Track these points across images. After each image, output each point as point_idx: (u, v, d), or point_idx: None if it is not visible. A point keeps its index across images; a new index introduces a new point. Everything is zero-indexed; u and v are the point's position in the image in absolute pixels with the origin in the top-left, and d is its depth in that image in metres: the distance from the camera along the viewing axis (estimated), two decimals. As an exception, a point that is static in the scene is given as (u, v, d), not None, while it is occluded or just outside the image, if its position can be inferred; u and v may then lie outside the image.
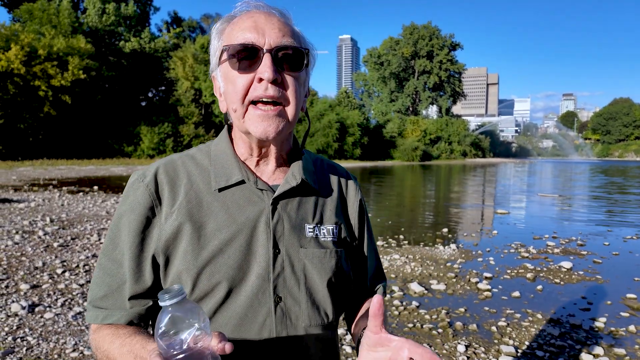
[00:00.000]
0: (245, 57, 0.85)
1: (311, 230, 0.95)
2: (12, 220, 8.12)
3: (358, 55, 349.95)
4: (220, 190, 0.92)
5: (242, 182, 0.93)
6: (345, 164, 48.48)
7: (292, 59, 0.87)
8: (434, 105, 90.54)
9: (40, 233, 6.94)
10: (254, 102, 0.86)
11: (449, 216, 10.91)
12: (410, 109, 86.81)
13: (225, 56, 0.88)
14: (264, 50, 0.85)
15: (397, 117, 76.04)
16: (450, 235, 8.13)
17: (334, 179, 1.07)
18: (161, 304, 0.63)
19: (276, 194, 0.93)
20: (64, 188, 14.98)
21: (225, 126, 1.01)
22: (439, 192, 18.67)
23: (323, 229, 0.97)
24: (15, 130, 32.94)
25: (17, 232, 7.00)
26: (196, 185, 0.93)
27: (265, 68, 0.84)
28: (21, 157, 32.11)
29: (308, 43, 0.94)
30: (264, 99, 0.85)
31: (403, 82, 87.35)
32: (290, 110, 0.88)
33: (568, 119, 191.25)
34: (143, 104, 46.59)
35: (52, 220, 8.21)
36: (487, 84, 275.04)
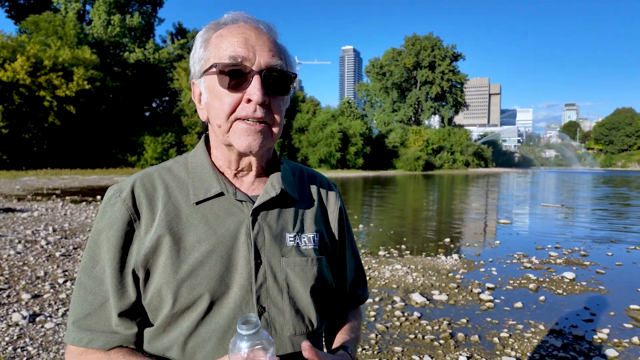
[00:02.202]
0: (235, 75, 0.85)
1: (292, 239, 0.95)
2: (15, 230, 8.14)
3: (360, 65, 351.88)
4: (198, 202, 0.91)
5: (221, 194, 0.92)
6: (347, 173, 48.50)
7: (279, 83, 0.88)
8: (436, 115, 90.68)
9: (43, 242, 6.96)
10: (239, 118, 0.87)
11: (451, 226, 10.88)
12: (413, 119, 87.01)
13: (213, 70, 0.87)
14: (254, 70, 0.85)
15: (400, 127, 76.19)
16: (452, 246, 8.10)
17: (313, 188, 1.07)
18: (239, 331, 0.70)
19: (256, 204, 0.92)
20: (67, 197, 15.04)
21: (202, 137, 1.01)
22: (442, 201, 18.64)
23: (304, 237, 0.97)
24: (19, 140, 33.15)
25: (19, 242, 7.02)
26: (174, 197, 0.92)
27: (254, 90, 0.84)
28: (25, 166, 32.28)
29: (293, 61, 0.95)
30: (250, 119, 0.86)
31: (405, 93, 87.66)
32: (274, 129, 0.90)
33: (570, 129, 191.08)
34: (147, 114, 46.85)
35: (54, 230, 8.23)
36: (489, 94, 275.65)
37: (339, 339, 1.03)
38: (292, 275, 0.92)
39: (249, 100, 0.85)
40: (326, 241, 1.02)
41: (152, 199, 0.91)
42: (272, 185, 0.95)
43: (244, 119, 0.86)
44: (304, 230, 0.98)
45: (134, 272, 0.88)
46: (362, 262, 6.11)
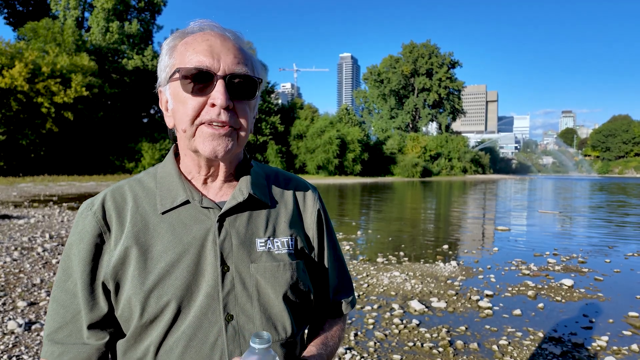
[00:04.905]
0: (199, 80, 0.85)
1: (263, 244, 0.93)
2: (11, 237, 8.10)
3: (358, 73, 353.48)
4: (165, 212, 0.91)
5: (187, 202, 0.92)
6: (345, 180, 48.52)
7: (245, 87, 0.88)
8: (434, 122, 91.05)
9: (39, 249, 6.92)
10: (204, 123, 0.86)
11: (450, 233, 10.87)
12: (410, 125, 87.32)
13: (177, 76, 0.87)
14: (218, 75, 0.85)
15: (397, 133, 76.42)
16: (450, 252, 8.09)
17: (289, 191, 1.04)
18: (252, 345, 0.73)
19: (222, 210, 0.92)
20: (64, 204, 14.98)
21: (172, 147, 1.01)
22: (440, 208, 18.64)
23: (277, 242, 0.95)
24: (17, 146, 33.07)
25: (15, 249, 6.98)
26: (142, 208, 0.92)
27: (218, 94, 0.84)
28: (22, 173, 32.18)
29: (260, 67, 0.94)
30: (215, 123, 0.85)
31: (403, 100, 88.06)
32: (241, 134, 0.89)
33: (567, 136, 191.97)
34: (145, 120, 46.87)
35: (51, 237, 8.19)
36: (487, 101, 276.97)
37: (306, 351, 0.98)
38: (262, 281, 0.91)
39: (213, 105, 0.85)
40: (303, 245, 1.00)
41: (122, 211, 0.91)
42: (240, 190, 0.94)
43: (208, 123, 0.85)
44: (277, 235, 0.96)
45: (104, 284, 0.88)
46: (361, 269, 6.04)
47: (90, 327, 0.88)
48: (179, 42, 0.91)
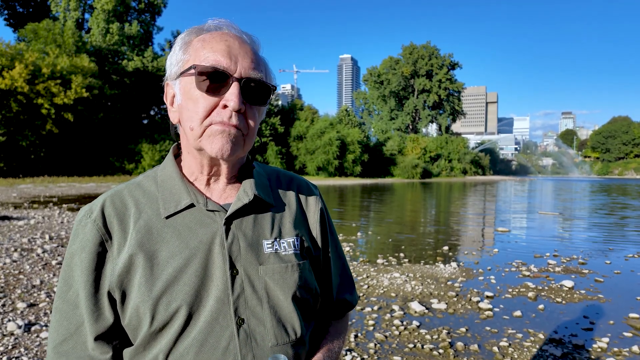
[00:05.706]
0: (214, 80, 0.84)
1: (270, 245, 0.93)
2: (11, 238, 8.09)
3: (358, 74, 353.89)
4: (169, 216, 0.89)
5: (191, 205, 0.90)
6: (345, 181, 48.53)
7: (258, 93, 0.88)
8: (434, 124, 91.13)
9: (39, 251, 6.92)
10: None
11: (450, 234, 10.87)
12: (410, 127, 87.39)
13: (191, 72, 0.86)
14: (234, 77, 0.84)
15: (397, 134, 76.44)
16: (451, 254, 8.09)
17: (291, 191, 1.04)
18: None
19: (228, 213, 0.90)
20: (64, 205, 14.98)
21: (171, 149, 1.00)
22: (440, 209, 18.64)
23: (283, 243, 0.94)
24: (17, 147, 33.10)
25: (15, 250, 6.97)
26: (145, 213, 0.90)
27: (232, 96, 0.83)
28: (22, 174, 32.20)
29: (271, 72, 0.94)
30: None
31: (403, 101, 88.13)
32: (248, 138, 0.89)
33: (567, 137, 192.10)
34: (145, 121, 46.91)
35: (51, 238, 8.19)
36: (487, 103, 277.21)
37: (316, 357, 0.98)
38: (271, 283, 0.90)
39: (225, 106, 0.84)
40: (308, 244, 0.99)
41: (123, 217, 0.89)
42: (244, 192, 0.93)
43: (218, 123, 0.85)
44: (283, 235, 0.95)
45: (109, 294, 0.86)
46: (361, 270, 6.02)
47: (97, 338, 0.86)
48: (194, 38, 0.89)
